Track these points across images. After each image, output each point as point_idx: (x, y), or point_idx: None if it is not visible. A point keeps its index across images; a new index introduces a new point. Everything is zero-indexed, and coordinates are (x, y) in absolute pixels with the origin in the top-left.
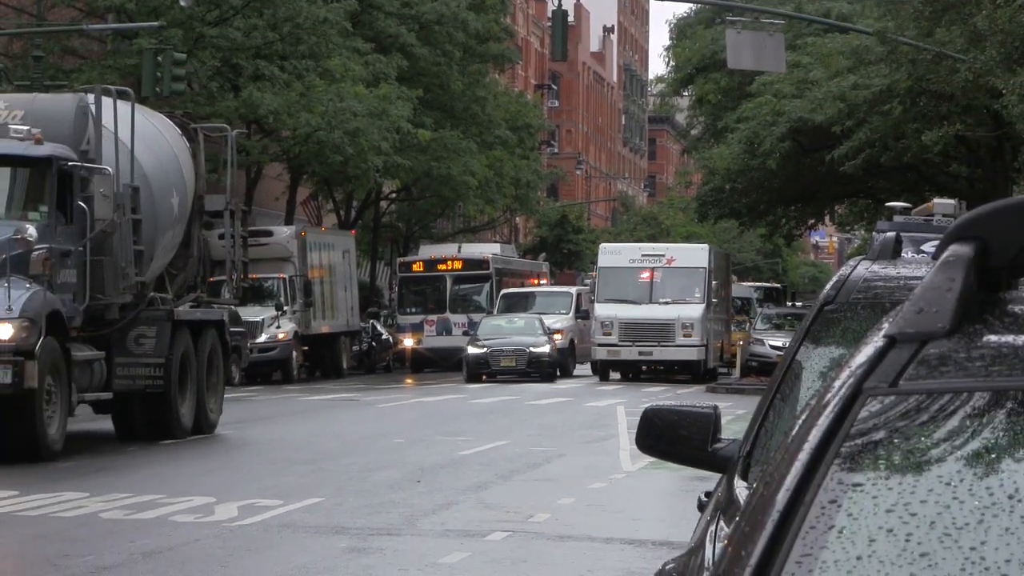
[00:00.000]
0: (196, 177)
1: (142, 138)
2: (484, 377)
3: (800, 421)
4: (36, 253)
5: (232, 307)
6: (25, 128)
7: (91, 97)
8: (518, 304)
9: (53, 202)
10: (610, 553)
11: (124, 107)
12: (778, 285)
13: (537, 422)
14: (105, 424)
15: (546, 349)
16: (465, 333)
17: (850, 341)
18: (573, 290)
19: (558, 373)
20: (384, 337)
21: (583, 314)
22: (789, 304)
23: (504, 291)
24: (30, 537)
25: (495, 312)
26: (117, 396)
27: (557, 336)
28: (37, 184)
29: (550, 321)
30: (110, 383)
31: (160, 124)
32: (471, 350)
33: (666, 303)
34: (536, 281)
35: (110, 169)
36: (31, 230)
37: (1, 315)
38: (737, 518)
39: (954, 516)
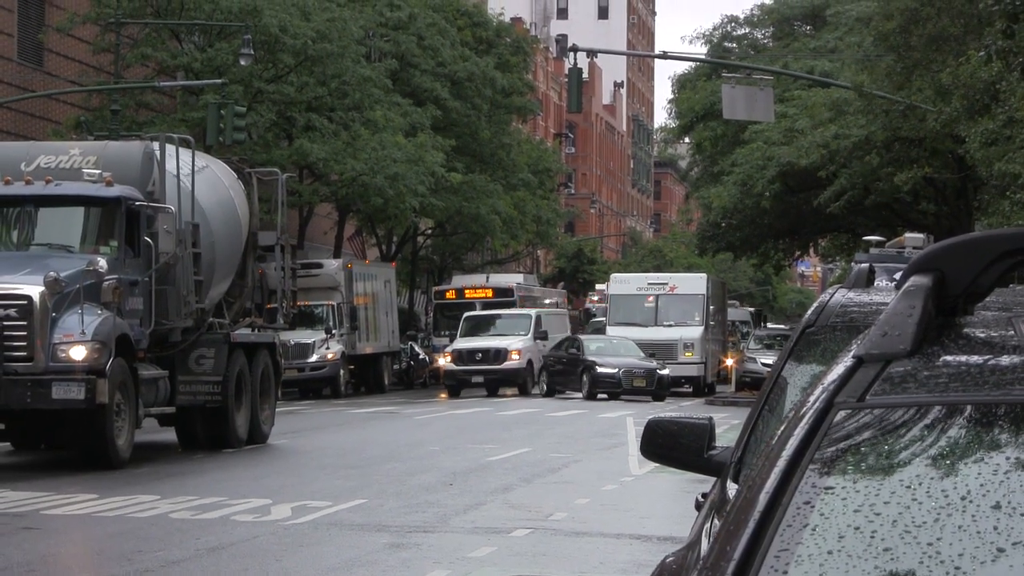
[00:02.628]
0: (250, 215)
1: (201, 180)
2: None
3: (779, 431)
4: (107, 283)
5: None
6: (97, 172)
7: (156, 144)
8: (480, 327)
9: (122, 237)
10: (620, 547)
11: (186, 153)
12: (752, 309)
13: (556, 431)
14: (169, 435)
15: (666, 371)
16: None
17: (829, 360)
18: (533, 312)
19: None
20: (421, 357)
21: (542, 335)
22: (764, 325)
23: (466, 314)
24: (108, 535)
25: (458, 335)
26: (180, 410)
27: (515, 355)
28: (108, 222)
29: (509, 342)
30: (173, 399)
31: (218, 168)
32: (600, 370)
33: (669, 325)
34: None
35: (173, 208)
36: (102, 262)
37: (76, 338)
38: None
39: (914, 515)
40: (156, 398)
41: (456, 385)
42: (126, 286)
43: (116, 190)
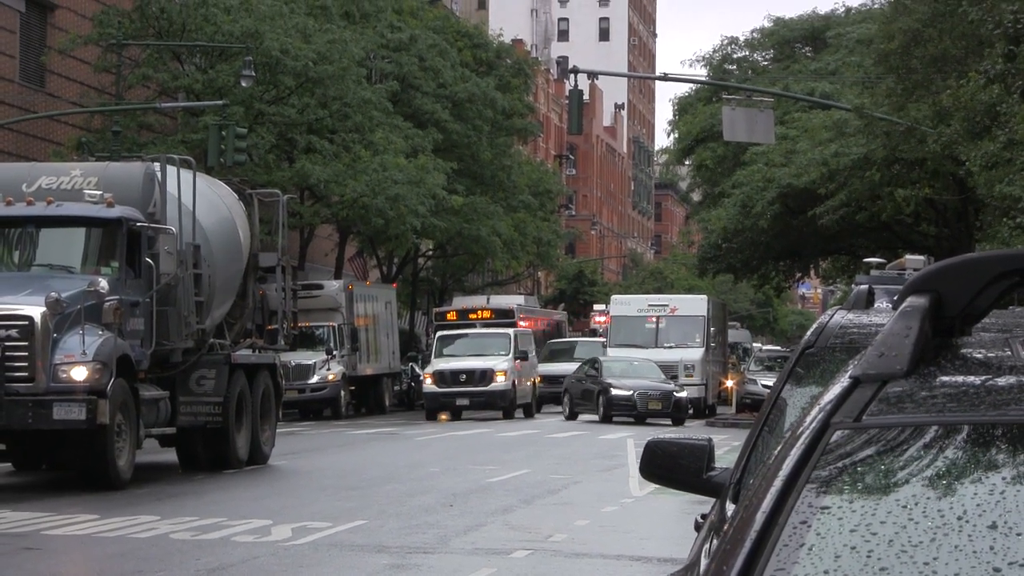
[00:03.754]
0: (251, 237)
1: (202, 202)
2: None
3: (777, 451)
4: (108, 304)
5: (282, 352)
6: (98, 193)
7: (157, 165)
8: (457, 346)
9: (123, 258)
10: (620, 569)
11: (187, 174)
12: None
13: (555, 453)
14: (170, 456)
15: (683, 394)
16: None
17: (828, 381)
18: (511, 332)
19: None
20: (422, 378)
21: (522, 355)
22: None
23: (439, 333)
24: (109, 555)
25: (432, 355)
26: (180, 431)
27: (500, 376)
28: (109, 242)
29: (494, 362)
30: (174, 419)
31: (219, 190)
32: (615, 392)
33: (670, 347)
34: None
35: (174, 229)
36: (103, 283)
37: (76, 359)
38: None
39: (910, 535)
40: (157, 419)
41: (438, 408)
42: (127, 307)
43: (117, 211)
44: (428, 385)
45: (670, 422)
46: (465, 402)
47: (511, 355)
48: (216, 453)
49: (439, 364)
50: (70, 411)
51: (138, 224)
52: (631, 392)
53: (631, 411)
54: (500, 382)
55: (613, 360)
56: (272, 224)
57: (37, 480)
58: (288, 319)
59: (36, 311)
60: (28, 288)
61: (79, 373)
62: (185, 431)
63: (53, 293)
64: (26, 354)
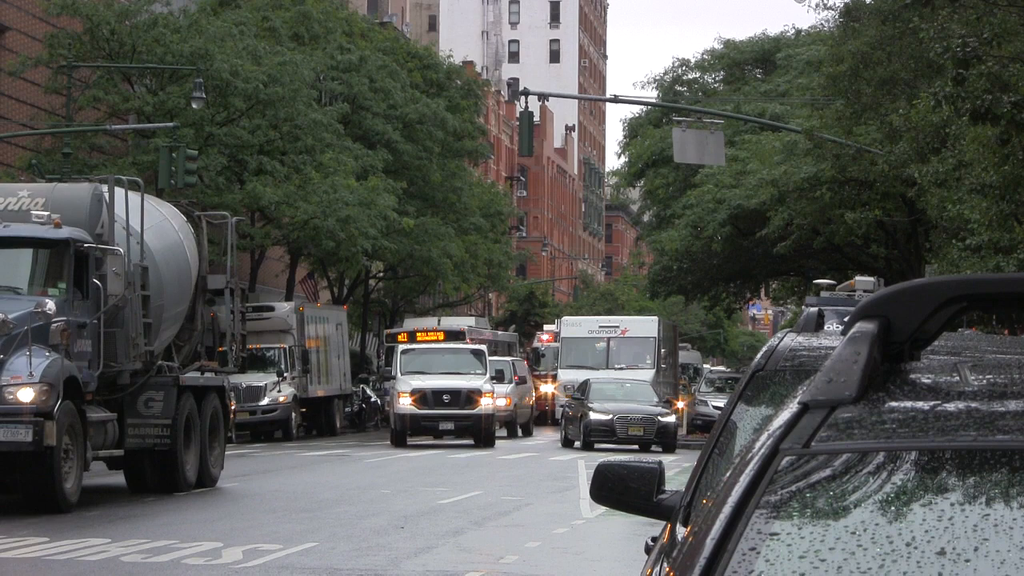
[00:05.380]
0: (199, 259)
1: (150, 223)
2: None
3: (726, 477)
4: (55, 325)
5: (229, 375)
6: (46, 214)
7: (105, 187)
8: (426, 363)
9: (71, 279)
10: None
11: (134, 196)
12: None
13: (507, 474)
14: (118, 478)
15: (671, 419)
16: None
17: (778, 403)
18: (484, 347)
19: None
20: (373, 400)
21: (497, 375)
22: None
23: (403, 347)
24: None
25: (397, 371)
26: (128, 453)
27: (487, 398)
28: (56, 263)
29: (477, 382)
30: (122, 441)
31: (167, 211)
32: (593, 416)
33: (621, 368)
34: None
35: (121, 250)
36: (50, 304)
37: (23, 380)
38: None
39: (859, 562)
40: (105, 441)
41: (416, 431)
42: (74, 328)
43: (65, 232)
44: (405, 405)
45: (658, 449)
46: (449, 426)
47: (487, 374)
48: (164, 476)
49: (415, 382)
50: (16, 433)
51: (86, 245)
52: (609, 416)
53: (610, 437)
54: (485, 405)
55: (604, 382)
56: (221, 246)
57: None
58: (237, 341)
59: None
60: None
61: (26, 395)
62: (133, 453)
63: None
64: None
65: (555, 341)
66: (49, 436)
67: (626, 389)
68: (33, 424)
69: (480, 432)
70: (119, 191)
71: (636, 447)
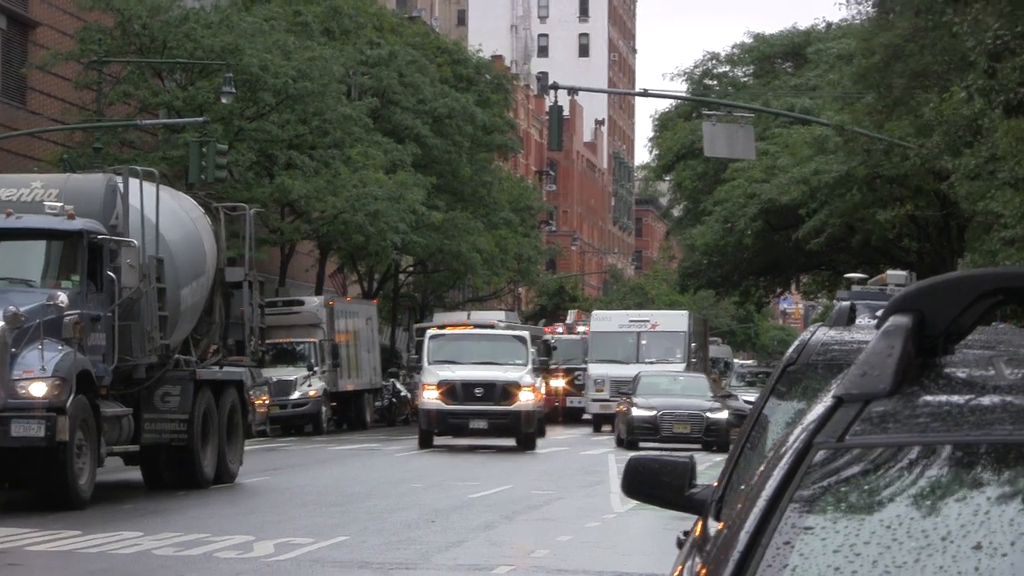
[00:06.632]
0: (217, 251)
1: (167, 215)
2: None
3: (760, 470)
4: (68, 318)
5: (252, 368)
6: (59, 205)
7: (119, 178)
8: (459, 351)
9: (84, 271)
10: None
11: (150, 187)
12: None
13: (537, 468)
14: (134, 474)
15: (722, 416)
16: None
17: (810, 397)
18: (527, 334)
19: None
20: (403, 394)
21: (542, 364)
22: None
23: (432, 332)
24: (91, 572)
25: (426, 360)
26: (145, 449)
27: (528, 392)
28: (70, 255)
29: (517, 373)
30: (138, 437)
31: (184, 203)
32: (636, 412)
33: (651, 362)
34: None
35: (136, 242)
36: (63, 297)
37: (35, 374)
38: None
39: (894, 556)
40: (120, 436)
41: (444, 430)
42: (88, 321)
43: (78, 223)
44: (430, 400)
45: (702, 448)
46: (481, 424)
47: (528, 364)
48: (181, 471)
49: (443, 372)
50: (28, 428)
51: (99, 237)
52: (654, 412)
53: (654, 435)
54: (527, 400)
55: (655, 375)
56: (240, 238)
57: (14, 497)
58: (256, 335)
59: None
60: None
61: (38, 389)
62: (150, 449)
63: (11, 307)
64: None
65: (569, 333)
66: (61, 431)
67: (680, 383)
68: (45, 419)
69: (519, 432)
70: (134, 182)
71: (682, 446)
